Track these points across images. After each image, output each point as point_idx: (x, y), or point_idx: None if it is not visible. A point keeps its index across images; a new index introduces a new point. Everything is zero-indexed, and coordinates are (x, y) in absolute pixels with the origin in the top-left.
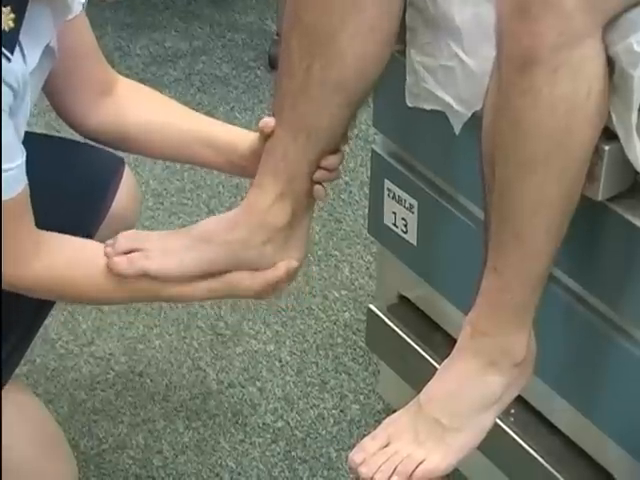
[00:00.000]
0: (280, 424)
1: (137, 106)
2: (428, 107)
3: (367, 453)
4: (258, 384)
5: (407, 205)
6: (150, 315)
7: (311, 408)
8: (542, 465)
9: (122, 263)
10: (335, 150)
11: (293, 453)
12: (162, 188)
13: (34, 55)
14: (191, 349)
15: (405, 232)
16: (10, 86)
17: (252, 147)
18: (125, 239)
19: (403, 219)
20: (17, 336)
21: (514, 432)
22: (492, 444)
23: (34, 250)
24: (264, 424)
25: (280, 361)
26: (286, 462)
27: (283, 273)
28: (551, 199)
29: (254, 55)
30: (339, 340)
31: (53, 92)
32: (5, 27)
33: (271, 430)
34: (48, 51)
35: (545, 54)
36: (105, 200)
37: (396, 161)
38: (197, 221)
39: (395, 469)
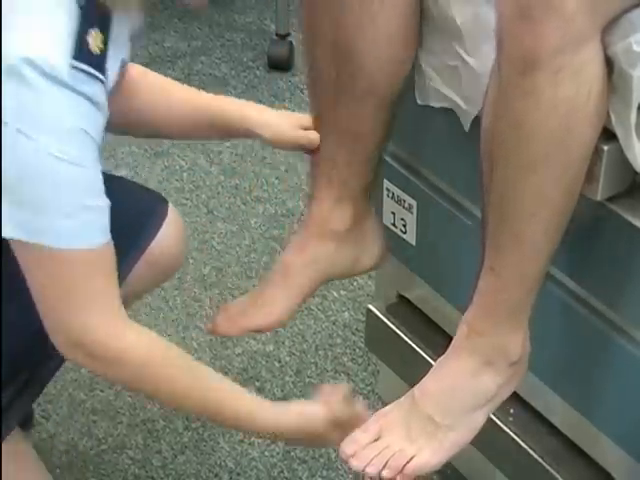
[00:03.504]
0: None
1: (156, 87)
2: (437, 105)
3: (358, 445)
4: (257, 384)
5: (406, 205)
6: (149, 315)
7: None
8: (541, 465)
9: (225, 327)
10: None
11: (292, 453)
12: (161, 188)
13: (115, 69)
14: (190, 350)
15: (404, 232)
16: (101, 107)
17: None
18: (220, 314)
19: (402, 219)
20: (19, 385)
21: (513, 432)
22: (491, 444)
23: (123, 318)
24: None
25: (279, 361)
26: (285, 462)
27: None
28: (551, 199)
29: (253, 55)
30: (338, 340)
31: None
32: (96, 49)
33: None
34: (122, 64)
35: (547, 57)
36: (138, 242)
37: (395, 161)
38: (196, 221)
39: (386, 463)
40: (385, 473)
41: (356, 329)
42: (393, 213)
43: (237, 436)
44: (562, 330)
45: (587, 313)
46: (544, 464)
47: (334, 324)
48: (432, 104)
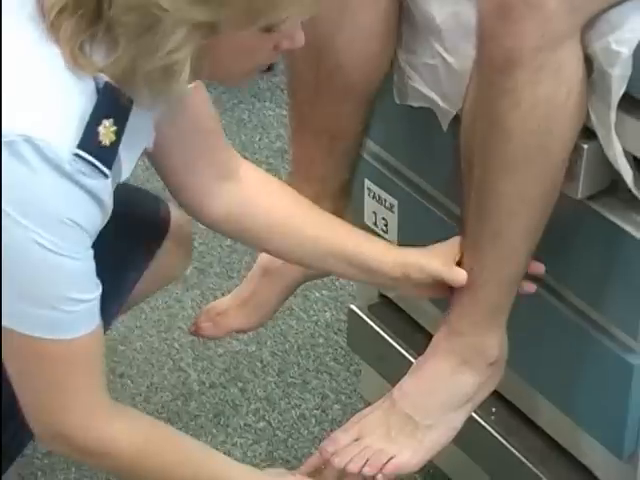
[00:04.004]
0: (262, 424)
1: (265, 201)
2: (415, 104)
3: (339, 445)
4: (240, 385)
5: (387, 205)
6: (131, 316)
7: (293, 408)
8: (524, 464)
9: (209, 328)
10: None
11: (275, 454)
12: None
13: (130, 164)
14: (172, 350)
15: (385, 232)
16: (102, 204)
17: (408, 273)
18: (203, 316)
19: (383, 219)
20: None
21: (496, 431)
22: (474, 443)
23: (106, 410)
24: (246, 425)
25: (261, 362)
26: (268, 463)
27: None
28: (530, 199)
29: None
30: (320, 340)
31: (170, 172)
32: (106, 141)
33: (253, 431)
34: (143, 153)
35: (527, 55)
36: (139, 264)
37: (376, 161)
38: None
39: (367, 461)
40: (366, 470)
41: (338, 329)
42: (374, 212)
43: (220, 437)
44: (543, 329)
45: (568, 311)
46: (527, 463)
47: (316, 324)
48: (411, 103)
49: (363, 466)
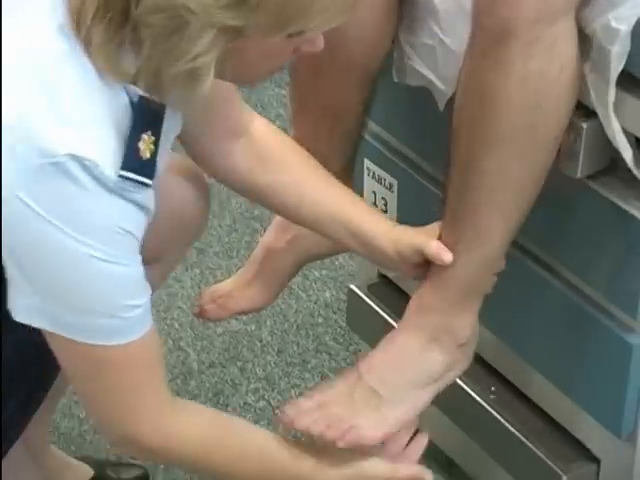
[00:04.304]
0: (261, 404)
1: (275, 158)
2: (413, 84)
3: (301, 410)
4: (239, 364)
5: (387, 184)
6: None
7: (292, 388)
8: (522, 442)
9: (213, 310)
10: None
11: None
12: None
13: (166, 157)
14: (172, 330)
15: (385, 211)
16: (148, 211)
17: (398, 249)
18: (207, 298)
19: (383, 198)
20: (18, 402)
21: (494, 409)
22: (472, 421)
23: (171, 407)
24: (245, 404)
25: (261, 341)
26: None
27: (415, 472)
28: (513, 178)
29: None
30: (320, 320)
31: (182, 127)
32: (147, 154)
33: (252, 410)
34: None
35: (522, 27)
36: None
37: (376, 141)
38: None
39: (329, 425)
40: (328, 433)
41: (337, 308)
42: (374, 192)
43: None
44: (541, 307)
45: (568, 291)
46: (525, 441)
47: (315, 303)
48: (409, 82)
49: (325, 429)
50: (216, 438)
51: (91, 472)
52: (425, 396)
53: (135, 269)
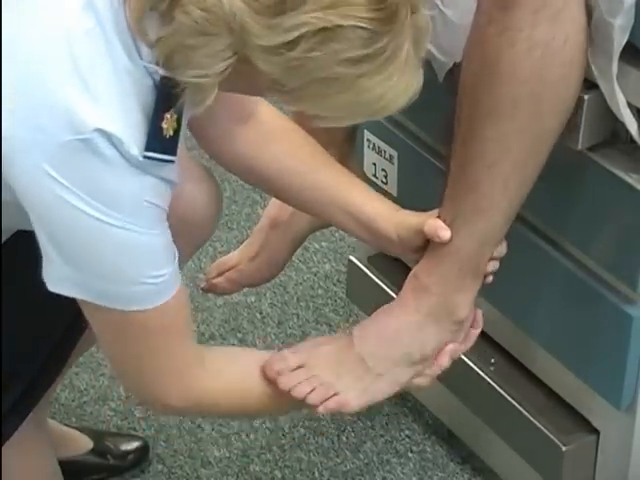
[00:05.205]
0: None
1: (278, 144)
2: None
3: (286, 366)
4: (239, 335)
5: (387, 156)
6: None
7: None
8: (522, 414)
9: (222, 284)
10: None
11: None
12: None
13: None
14: None
15: (385, 183)
16: (172, 183)
17: (399, 233)
18: (214, 271)
19: (383, 170)
20: (22, 387)
21: (494, 382)
22: (473, 394)
23: (200, 362)
24: None
25: (261, 313)
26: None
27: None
28: (514, 151)
29: None
30: (320, 292)
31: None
32: (170, 132)
33: None
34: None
35: None
36: None
37: None
38: None
39: (312, 390)
40: (310, 398)
41: (337, 280)
42: (374, 164)
43: None
44: (543, 280)
45: (568, 263)
46: (525, 413)
47: (315, 275)
48: None
49: (309, 393)
50: (246, 390)
51: (91, 443)
52: (407, 374)
53: (163, 238)
